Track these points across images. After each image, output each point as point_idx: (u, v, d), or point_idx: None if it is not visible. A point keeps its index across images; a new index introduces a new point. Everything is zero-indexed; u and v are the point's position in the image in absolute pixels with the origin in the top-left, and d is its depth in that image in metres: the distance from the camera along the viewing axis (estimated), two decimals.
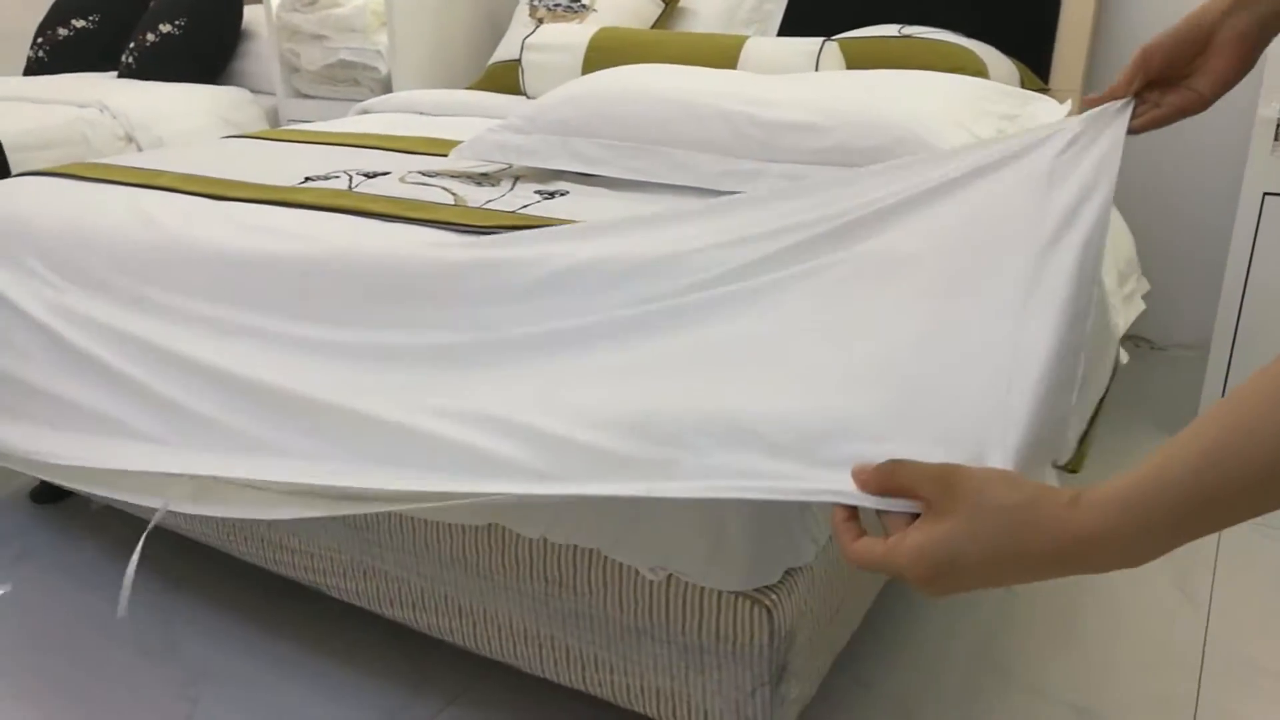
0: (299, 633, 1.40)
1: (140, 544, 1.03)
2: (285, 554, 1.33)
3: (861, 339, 0.72)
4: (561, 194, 1.40)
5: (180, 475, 1.00)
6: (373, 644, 1.36)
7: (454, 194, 1.40)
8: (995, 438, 0.61)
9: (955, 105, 1.42)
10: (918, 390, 0.65)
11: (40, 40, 3.32)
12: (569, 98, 1.51)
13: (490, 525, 1.11)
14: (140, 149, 2.68)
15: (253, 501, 0.94)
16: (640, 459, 0.74)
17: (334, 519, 1.25)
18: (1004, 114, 1.48)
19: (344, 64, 2.74)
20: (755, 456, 0.68)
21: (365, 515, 1.22)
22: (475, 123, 2.10)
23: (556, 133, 1.48)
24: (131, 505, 1.50)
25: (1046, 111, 1.53)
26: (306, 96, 2.93)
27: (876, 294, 0.73)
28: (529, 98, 2.18)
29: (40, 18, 3.42)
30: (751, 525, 0.93)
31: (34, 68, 3.31)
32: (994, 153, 0.82)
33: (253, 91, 3.07)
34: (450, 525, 1.14)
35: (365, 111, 2.34)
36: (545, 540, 1.06)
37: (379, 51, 2.69)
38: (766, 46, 1.94)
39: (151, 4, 3.31)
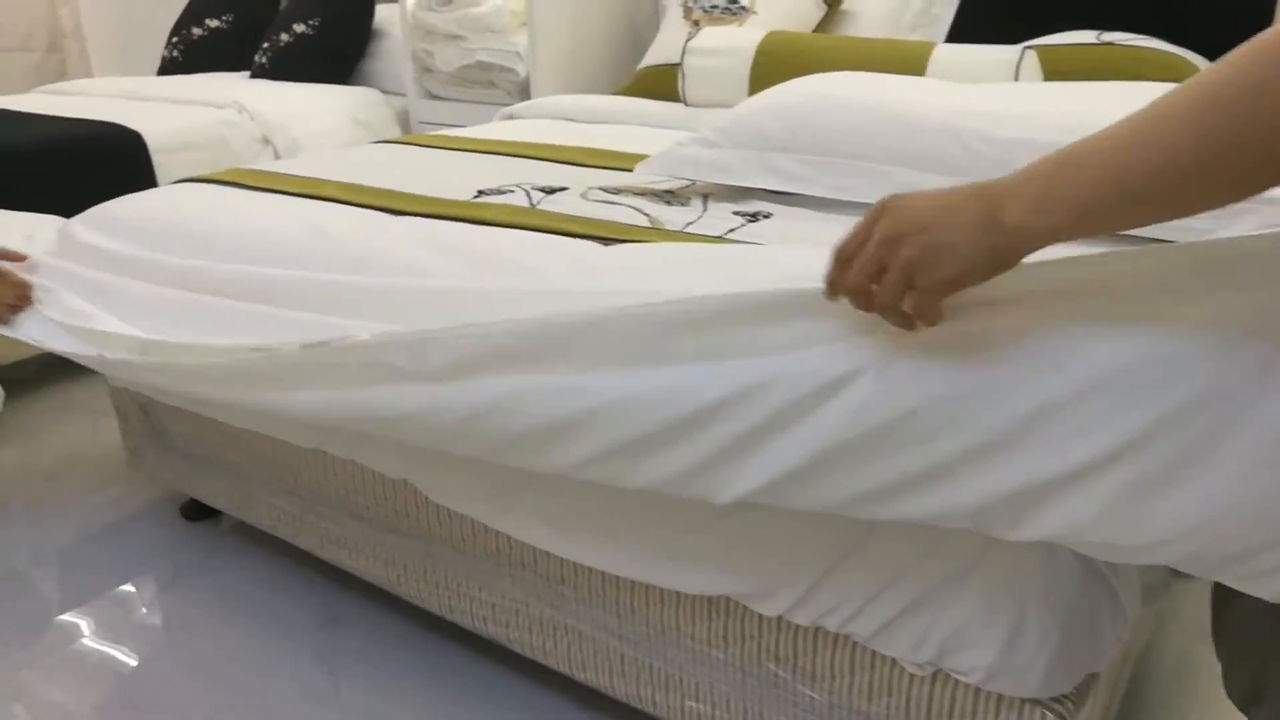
0: (474, 686, 1.29)
1: None
2: (463, 600, 1.24)
3: None
4: (764, 216, 1.28)
5: None
6: (558, 706, 1.25)
7: (647, 215, 1.29)
8: None
9: None
10: None
11: (175, 40, 3.33)
12: (766, 108, 1.38)
13: (715, 597, 0.99)
14: (276, 151, 2.64)
15: None
16: None
17: (522, 571, 1.14)
18: None
19: (480, 65, 2.66)
20: None
21: (562, 569, 1.11)
22: (632, 131, 1.99)
23: (753, 147, 1.35)
24: (282, 525, 1.43)
25: None
26: (438, 98, 2.87)
27: None
28: (688, 105, 2.06)
29: (175, 17, 3.43)
30: (1058, 621, 0.79)
31: (168, 67, 3.32)
32: None
33: (383, 92, 3.02)
34: (664, 591, 1.02)
35: (511, 117, 2.25)
36: (783, 620, 0.94)
37: (517, 53, 2.60)
38: (958, 55, 1.79)
39: (284, 4, 3.29)
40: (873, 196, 1.27)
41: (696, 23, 2.21)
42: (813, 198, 1.32)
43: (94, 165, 2.24)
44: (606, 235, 1.16)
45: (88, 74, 3.64)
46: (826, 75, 1.46)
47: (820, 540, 0.89)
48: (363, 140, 2.84)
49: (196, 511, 1.66)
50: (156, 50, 3.48)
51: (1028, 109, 1.26)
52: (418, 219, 1.28)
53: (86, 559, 1.58)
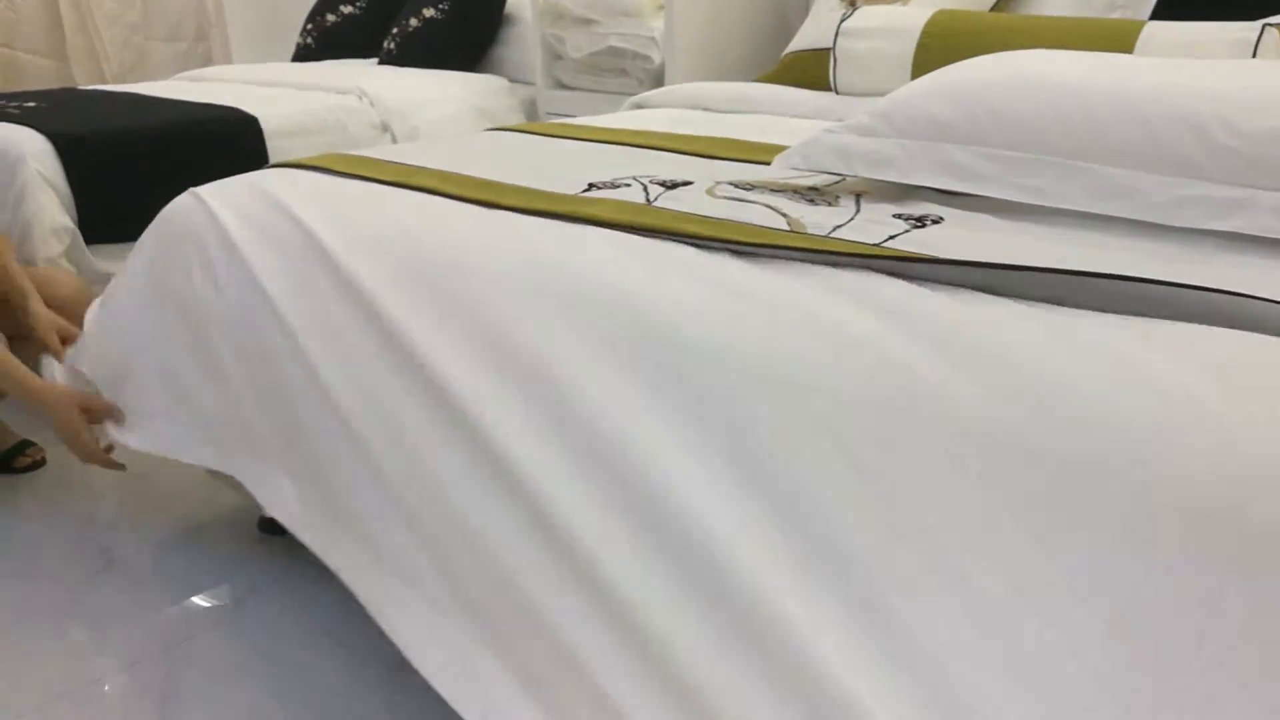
0: None
1: None
2: None
3: None
4: (934, 220, 1.03)
5: None
6: None
7: (785, 215, 1.06)
8: None
9: None
10: None
11: (310, 27, 3.29)
12: (939, 90, 1.12)
13: None
14: (395, 138, 2.53)
15: None
16: None
17: None
18: None
19: (613, 51, 2.48)
20: None
21: None
22: (773, 121, 1.76)
23: (923, 137, 1.10)
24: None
25: None
26: (567, 88, 2.70)
27: None
28: (839, 93, 1.81)
29: (311, 4, 3.40)
30: None
31: (302, 54, 3.28)
32: None
33: (510, 80, 2.88)
34: None
35: (639, 106, 2.05)
36: None
37: (653, 38, 2.40)
38: (1176, 34, 1.48)
39: None
40: (1077, 201, 1.00)
41: (853, 2, 1.96)
42: (995, 200, 1.06)
43: (213, 148, 2.18)
44: (734, 239, 0.94)
45: (229, 62, 3.66)
46: (1015, 53, 1.19)
47: None
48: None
49: (272, 526, 1.53)
50: (294, 38, 3.46)
51: None
52: (509, 214, 1.09)
53: (166, 563, 1.49)
